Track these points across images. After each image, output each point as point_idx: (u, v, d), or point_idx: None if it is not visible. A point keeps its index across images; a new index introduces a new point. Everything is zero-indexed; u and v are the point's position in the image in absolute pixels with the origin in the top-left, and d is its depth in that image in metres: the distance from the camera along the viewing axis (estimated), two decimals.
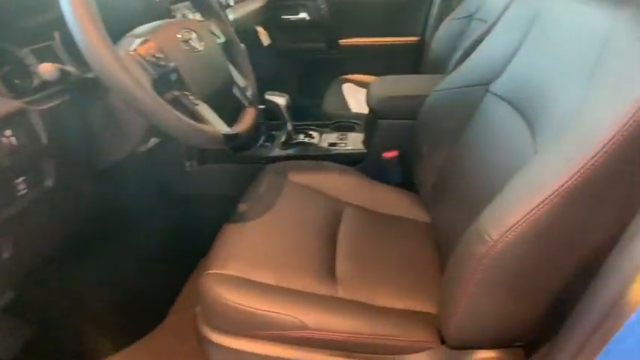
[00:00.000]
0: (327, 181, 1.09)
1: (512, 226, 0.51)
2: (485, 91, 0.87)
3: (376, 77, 1.35)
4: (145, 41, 0.73)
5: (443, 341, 0.69)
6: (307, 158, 1.27)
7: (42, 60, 0.68)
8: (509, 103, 0.77)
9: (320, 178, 1.09)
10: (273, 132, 1.44)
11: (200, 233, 1.02)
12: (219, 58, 0.92)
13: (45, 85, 0.68)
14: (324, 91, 1.92)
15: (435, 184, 0.98)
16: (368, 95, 1.24)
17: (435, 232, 0.95)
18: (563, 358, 0.52)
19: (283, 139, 1.38)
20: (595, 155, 0.46)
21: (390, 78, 1.31)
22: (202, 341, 0.79)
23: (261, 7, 1.87)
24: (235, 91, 0.98)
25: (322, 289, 0.77)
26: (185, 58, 0.80)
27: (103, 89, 0.73)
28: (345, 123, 1.52)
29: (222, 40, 0.99)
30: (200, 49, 0.84)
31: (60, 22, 0.62)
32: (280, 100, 1.27)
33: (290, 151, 1.34)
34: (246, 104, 0.98)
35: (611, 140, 0.45)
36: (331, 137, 1.41)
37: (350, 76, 2.05)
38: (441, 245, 0.89)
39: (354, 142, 1.38)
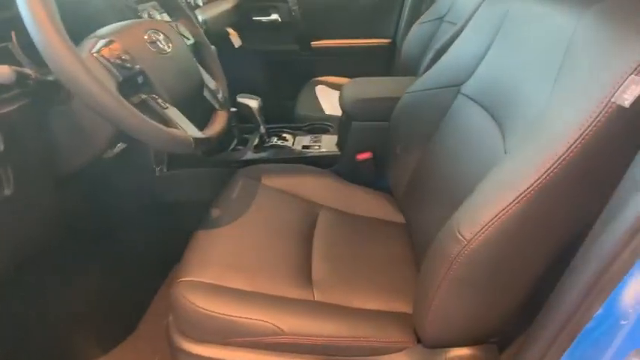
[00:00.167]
0: (301, 184, 1.08)
1: (484, 226, 0.52)
2: (456, 92, 0.88)
3: (349, 79, 1.35)
4: (110, 42, 0.70)
5: (419, 340, 0.70)
6: (281, 161, 1.26)
7: None
8: (480, 104, 0.79)
9: (294, 181, 1.09)
10: (246, 135, 1.42)
11: (171, 240, 1.00)
12: (189, 60, 0.90)
13: (0, 88, 0.64)
14: (296, 94, 1.92)
15: (408, 184, 0.99)
16: (341, 97, 1.24)
17: (409, 233, 0.96)
18: (537, 351, 0.53)
19: (256, 142, 1.37)
20: (563, 155, 0.47)
21: (363, 80, 1.31)
22: (175, 350, 0.77)
23: (232, 8, 1.85)
24: (206, 93, 0.95)
25: (298, 294, 0.76)
26: (152, 59, 0.77)
27: (64, 92, 0.70)
28: (318, 125, 1.52)
29: (191, 41, 0.97)
30: (168, 50, 0.82)
31: (17, 22, 0.59)
32: (252, 102, 1.26)
33: (263, 154, 1.33)
34: (218, 107, 0.96)
35: (577, 140, 0.46)
36: (305, 140, 1.41)
37: (323, 78, 2.05)
38: (415, 245, 0.90)
39: (327, 144, 1.38)
